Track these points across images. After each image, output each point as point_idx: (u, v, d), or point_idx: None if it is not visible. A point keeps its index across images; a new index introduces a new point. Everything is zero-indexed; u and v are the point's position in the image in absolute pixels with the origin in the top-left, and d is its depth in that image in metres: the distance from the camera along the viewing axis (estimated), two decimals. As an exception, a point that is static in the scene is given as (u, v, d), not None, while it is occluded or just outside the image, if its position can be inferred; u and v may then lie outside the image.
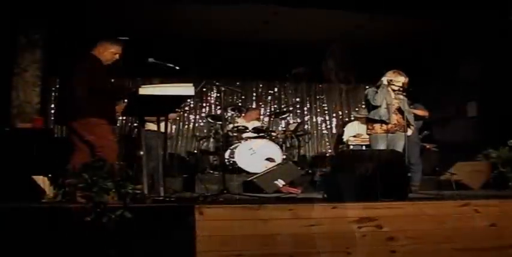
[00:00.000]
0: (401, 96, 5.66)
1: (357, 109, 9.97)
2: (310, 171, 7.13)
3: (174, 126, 9.31)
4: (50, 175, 4.02)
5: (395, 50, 8.81)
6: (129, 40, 5.55)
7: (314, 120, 10.53)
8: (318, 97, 10.60)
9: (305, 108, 10.52)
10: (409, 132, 5.75)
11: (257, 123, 8.26)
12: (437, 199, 4.39)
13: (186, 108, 9.90)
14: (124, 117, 8.88)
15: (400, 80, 5.65)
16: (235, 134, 7.59)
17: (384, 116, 5.55)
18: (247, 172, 6.91)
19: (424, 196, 4.80)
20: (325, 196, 4.36)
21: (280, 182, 5.99)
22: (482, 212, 3.91)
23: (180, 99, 4.59)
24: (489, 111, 8.52)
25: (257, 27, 8.13)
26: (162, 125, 4.76)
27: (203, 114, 9.94)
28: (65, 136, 7.19)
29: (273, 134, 7.91)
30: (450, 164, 6.90)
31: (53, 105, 8.76)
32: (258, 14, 7.58)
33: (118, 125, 7.98)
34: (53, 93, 8.91)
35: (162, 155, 4.99)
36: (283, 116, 8.56)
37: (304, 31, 8.30)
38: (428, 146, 7.87)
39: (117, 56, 4.78)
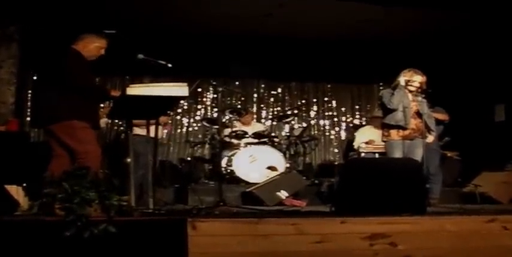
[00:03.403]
0: (419, 98, 5.65)
1: (368, 116, 9.96)
2: (316, 181, 7.13)
3: (165, 131, 9.31)
4: (24, 184, 4.01)
5: (412, 47, 8.81)
6: (116, 34, 5.55)
7: (321, 124, 10.53)
8: (326, 99, 10.59)
9: (311, 111, 10.52)
10: (430, 138, 5.74)
11: (258, 127, 8.25)
12: (460, 213, 4.38)
13: (179, 110, 9.91)
14: (109, 121, 8.87)
15: (417, 79, 5.64)
16: (233, 139, 7.59)
17: (401, 120, 5.55)
18: (247, 182, 6.91)
19: (444, 210, 4.80)
20: (333, 209, 4.36)
21: (283, 194, 5.99)
22: (511, 229, 3.90)
23: (172, 101, 4.59)
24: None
25: (259, 20, 8.13)
26: (152, 129, 4.76)
27: (198, 118, 9.94)
28: (42, 140, 7.18)
29: (275, 139, 7.91)
30: (474, 175, 6.90)
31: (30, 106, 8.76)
32: (261, 5, 7.58)
33: (103, 127, 7.92)
34: (30, 93, 8.89)
35: (152, 162, 4.99)
36: (287, 119, 8.54)
37: (310, 25, 8.31)
38: (449, 154, 7.86)
39: (102, 51, 4.79)
